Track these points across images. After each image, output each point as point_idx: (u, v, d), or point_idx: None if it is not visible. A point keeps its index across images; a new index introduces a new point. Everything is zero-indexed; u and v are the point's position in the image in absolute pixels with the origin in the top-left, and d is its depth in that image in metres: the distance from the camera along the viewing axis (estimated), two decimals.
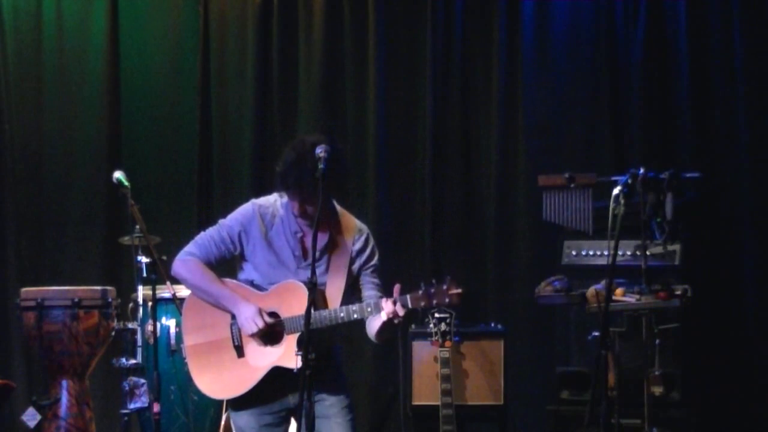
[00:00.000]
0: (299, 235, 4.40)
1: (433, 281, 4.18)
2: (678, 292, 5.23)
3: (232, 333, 4.41)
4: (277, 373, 4.32)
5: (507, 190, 6.88)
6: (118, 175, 5.69)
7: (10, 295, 6.77)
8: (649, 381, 5.33)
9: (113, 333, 6.12)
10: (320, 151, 4.21)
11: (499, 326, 6.21)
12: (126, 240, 6.04)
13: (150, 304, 5.81)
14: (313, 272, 4.12)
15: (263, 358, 4.35)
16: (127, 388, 5.84)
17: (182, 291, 6.05)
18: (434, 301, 4.17)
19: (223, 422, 6.06)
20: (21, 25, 7.23)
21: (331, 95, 7.07)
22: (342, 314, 4.27)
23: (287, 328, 4.32)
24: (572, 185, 5.67)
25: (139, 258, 5.87)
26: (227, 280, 4.46)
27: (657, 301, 5.23)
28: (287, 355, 4.27)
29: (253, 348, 4.38)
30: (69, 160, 7.21)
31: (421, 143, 7.00)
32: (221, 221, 4.48)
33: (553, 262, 6.19)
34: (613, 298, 5.12)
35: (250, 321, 4.34)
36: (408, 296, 4.19)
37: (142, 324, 5.97)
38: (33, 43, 7.24)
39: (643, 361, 5.35)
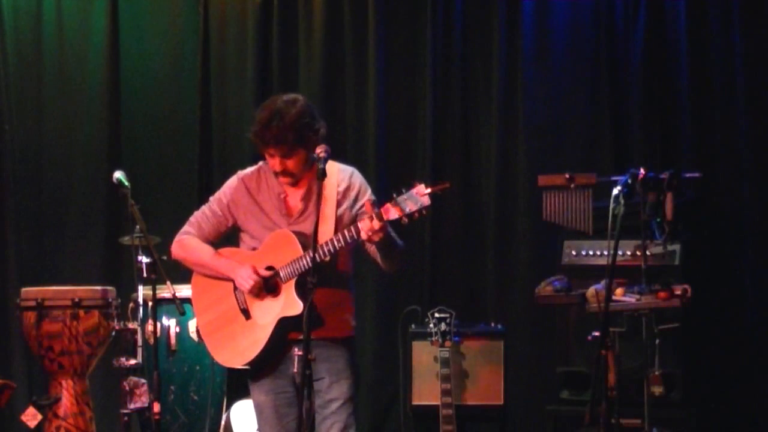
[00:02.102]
0: (282, 195, 4.49)
1: (403, 189, 4.18)
2: (678, 292, 5.23)
3: (236, 298, 4.48)
4: (284, 324, 4.35)
5: (507, 190, 6.87)
6: (118, 175, 5.68)
7: (10, 295, 6.77)
8: (649, 381, 5.33)
9: (113, 333, 6.12)
10: (320, 151, 4.28)
11: (499, 326, 6.21)
12: (126, 240, 6.04)
13: (150, 304, 5.81)
14: (315, 271, 4.13)
15: (268, 314, 4.40)
16: (127, 388, 5.84)
17: (182, 291, 6.05)
18: (407, 208, 4.14)
19: (223, 422, 6.06)
20: (21, 25, 7.23)
21: (331, 95, 7.06)
22: (328, 247, 4.29)
23: (283, 276, 4.37)
24: (572, 185, 5.66)
25: (139, 258, 5.87)
26: (223, 249, 4.55)
27: (657, 301, 5.22)
28: (288, 303, 4.33)
29: (257, 307, 4.44)
30: (69, 160, 7.21)
31: (421, 143, 7.00)
32: (210, 198, 4.62)
33: (553, 262, 6.19)
34: (613, 298, 5.12)
35: (246, 278, 4.41)
36: (380, 209, 4.19)
37: (142, 324, 5.97)
38: (33, 43, 7.24)
39: (643, 361, 5.35)
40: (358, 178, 4.55)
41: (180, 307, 5.61)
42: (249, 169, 4.61)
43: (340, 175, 4.50)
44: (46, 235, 7.18)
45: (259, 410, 4.56)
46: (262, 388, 4.50)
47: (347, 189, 4.49)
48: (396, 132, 7.04)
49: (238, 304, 4.48)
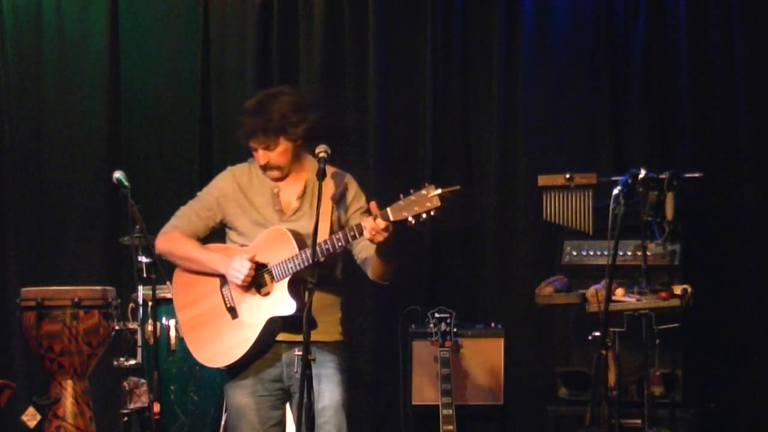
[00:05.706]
0: (276, 191, 4.41)
1: (411, 190, 4.06)
2: (678, 292, 5.24)
3: (223, 296, 4.37)
4: (273, 324, 4.28)
5: (507, 190, 6.87)
6: (118, 175, 5.68)
7: (10, 295, 6.76)
8: (649, 381, 5.33)
9: (113, 333, 6.12)
10: (320, 150, 4.25)
11: (499, 326, 6.21)
12: (126, 240, 6.03)
13: (150, 304, 5.81)
14: (314, 272, 4.09)
15: (257, 313, 4.30)
16: (127, 388, 5.84)
17: None
18: (416, 208, 4.01)
19: (223, 422, 6.06)
20: (21, 25, 7.23)
21: (331, 95, 7.06)
22: (327, 246, 4.19)
23: (276, 275, 4.29)
24: (572, 185, 5.67)
25: (139, 258, 5.87)
26: (211, 245, 4.45)
27: (657, 301, 5.23)
28: (280, 302, 4.24)
29: (246, 306, 4.33)
30: (69, 160, 7.20)
31: (421, 143, 7.00)
32: (198, 192, 4.53)
33: (553, 262, 6.19)
34: (613, 298, 5.12)
35: (237, 270, 4.28)
36: (387, 208, 4.08)
37: (142, 324, 5.97)
38: (33, 43, 7.24)
39: (643, 361, 5.35)
40: (354, 183, 4.48)
41: None
42: (240, 164, 4.54)
43: (335, 178, 4.44)
44: (46, 235, 7.18)
45: (238, 414, 4.41)
46: (245, 390, 4.39)
47: (344, 192, 4.42)
48: (396, 132, 7.04)
49: (225, 302, 4.37)
